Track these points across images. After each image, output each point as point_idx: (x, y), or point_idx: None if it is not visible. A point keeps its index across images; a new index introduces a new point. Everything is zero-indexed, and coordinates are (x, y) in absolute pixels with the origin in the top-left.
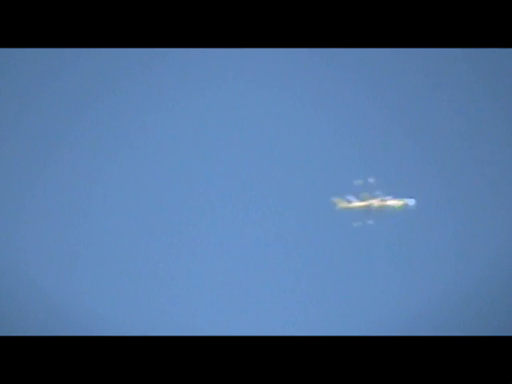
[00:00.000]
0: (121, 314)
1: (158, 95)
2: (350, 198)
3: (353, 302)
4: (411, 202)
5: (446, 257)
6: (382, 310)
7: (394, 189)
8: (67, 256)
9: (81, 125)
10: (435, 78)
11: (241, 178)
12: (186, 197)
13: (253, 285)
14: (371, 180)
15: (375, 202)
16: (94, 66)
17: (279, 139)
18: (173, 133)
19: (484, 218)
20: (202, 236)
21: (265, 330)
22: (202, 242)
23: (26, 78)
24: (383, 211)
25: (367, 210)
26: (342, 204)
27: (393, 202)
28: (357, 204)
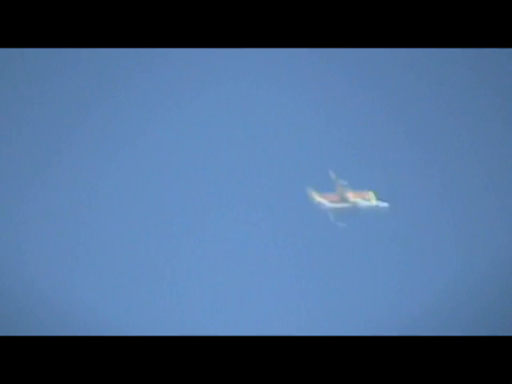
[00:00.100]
0: (121, 314)
1: (158, 95)
2: (327, 192)
3: (352, 301)
4: (383, 204)
5: (446, 257)
6: (381, 310)
7: (394, 189)
8: (67, 256)
9: (80, 125)
10: (435, 77)
11: (241, 178)
12: (186, 197)
13: (253, 285)
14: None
15: (350, 196)
16: (94, 65)
17: (279, 139)
18: (173, 133)
19: (484, 217)
20: (202, 236)
21: (265, 329)
22: (202, 242)
23: (26, 78)
24: (357, 208)
25: (340, 205)
26: (315, 196)
27: (363, 197)
28: (329, 196)
